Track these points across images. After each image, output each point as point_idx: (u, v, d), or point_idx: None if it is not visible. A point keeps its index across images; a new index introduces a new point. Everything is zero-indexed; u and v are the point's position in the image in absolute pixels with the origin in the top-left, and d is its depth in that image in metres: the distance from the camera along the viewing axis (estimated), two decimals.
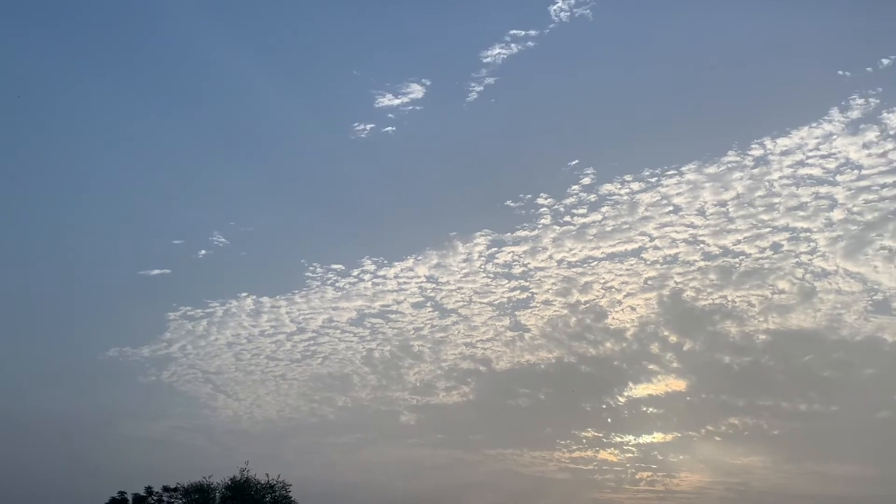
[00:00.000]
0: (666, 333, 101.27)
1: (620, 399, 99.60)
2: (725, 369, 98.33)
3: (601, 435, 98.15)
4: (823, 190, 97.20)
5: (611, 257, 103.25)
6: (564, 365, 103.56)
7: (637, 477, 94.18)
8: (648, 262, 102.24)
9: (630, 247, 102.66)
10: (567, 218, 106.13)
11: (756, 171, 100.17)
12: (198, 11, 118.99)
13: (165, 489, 63.68)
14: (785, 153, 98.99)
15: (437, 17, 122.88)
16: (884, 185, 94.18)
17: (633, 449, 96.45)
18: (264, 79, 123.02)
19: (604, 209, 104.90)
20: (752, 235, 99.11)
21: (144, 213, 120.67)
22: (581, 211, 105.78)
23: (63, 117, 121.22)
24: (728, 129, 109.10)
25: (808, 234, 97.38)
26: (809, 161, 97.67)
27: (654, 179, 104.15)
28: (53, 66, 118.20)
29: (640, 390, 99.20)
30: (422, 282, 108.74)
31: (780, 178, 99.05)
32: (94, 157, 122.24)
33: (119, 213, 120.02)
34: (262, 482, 60.83)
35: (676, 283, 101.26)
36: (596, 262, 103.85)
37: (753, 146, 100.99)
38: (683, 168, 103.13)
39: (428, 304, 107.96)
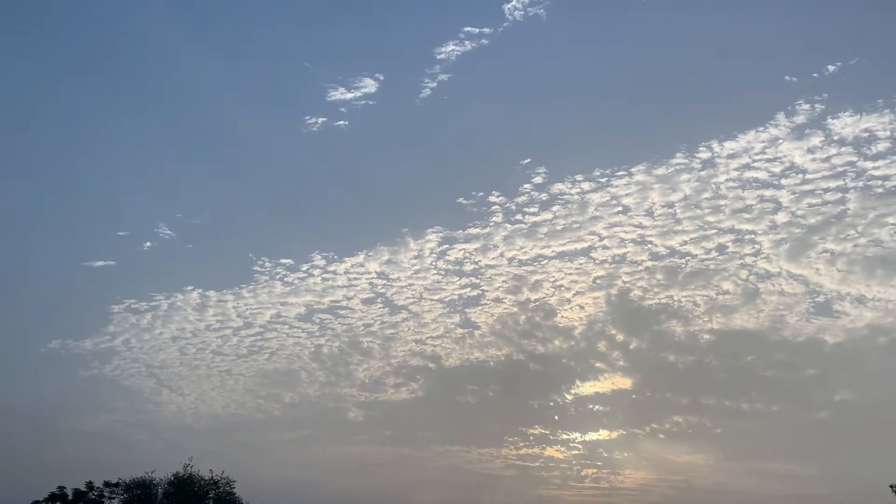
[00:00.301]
0: (613, 332, 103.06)
1: (568, 396, 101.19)
2: (670, 368, 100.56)
3: (548, 432, 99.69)
4: (768, 193, 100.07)
5: (561, 256, 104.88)
6: (513, 362, 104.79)
7: (582, 474, 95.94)
8: (597, 262, 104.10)
9: (580, 246, 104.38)
10: (518, 216, 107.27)
11: (703, 173, 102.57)
12: (146, 3, 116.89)
13: (106, 484, 62.96)
14: (732, 156, 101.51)
15: (391, 12, 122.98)
16: (827, 190, 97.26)
17: (580, 446, 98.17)
18: (214, 70, 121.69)
19: (555, 208, 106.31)
20: (699, 237, 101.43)
21: (88, 203, 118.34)
22: (532, 209, 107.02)
23: (2, 108, 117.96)
24: (677, 132, 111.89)
25: (752, 236, 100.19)
26: (755, 164, 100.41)
27: (604, 180, 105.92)
28: None
29: (587, 388, 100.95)
30: (372, 278, 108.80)
31: (727, 180, 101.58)
32: (36, 146, 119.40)
33: (62, 202, 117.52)
34: (206, 478, 60.15)
35: (624, 282, 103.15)
36: (546, 261, 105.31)
37: (701, 149, 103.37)
38: (633, 169, 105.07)
39: (378, 301, 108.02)
